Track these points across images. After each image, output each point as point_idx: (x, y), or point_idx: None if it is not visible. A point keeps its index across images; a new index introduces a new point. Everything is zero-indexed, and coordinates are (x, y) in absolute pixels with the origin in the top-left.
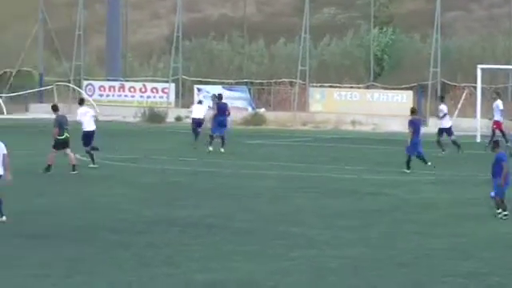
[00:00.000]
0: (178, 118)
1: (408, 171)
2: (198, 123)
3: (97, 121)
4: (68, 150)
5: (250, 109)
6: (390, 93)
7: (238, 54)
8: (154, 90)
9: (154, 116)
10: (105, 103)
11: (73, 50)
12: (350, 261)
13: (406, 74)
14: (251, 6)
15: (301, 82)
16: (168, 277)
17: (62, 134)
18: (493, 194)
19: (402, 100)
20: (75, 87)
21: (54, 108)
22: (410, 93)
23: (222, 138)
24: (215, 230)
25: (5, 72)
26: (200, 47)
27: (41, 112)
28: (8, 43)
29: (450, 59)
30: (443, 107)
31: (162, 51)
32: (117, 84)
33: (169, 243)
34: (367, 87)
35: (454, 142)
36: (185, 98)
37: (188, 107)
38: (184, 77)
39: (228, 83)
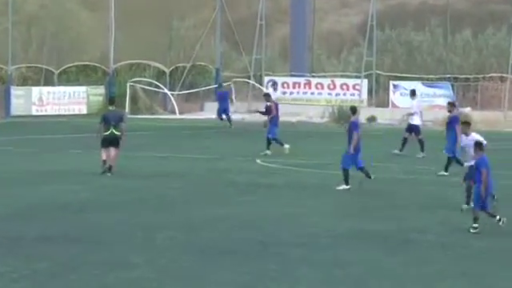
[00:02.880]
0: (371, 119)
1: None
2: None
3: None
4: (112, 149)
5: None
6: None
7: (440, 46)
8: (344, 87)
9: (344, 116)
10: (289, 101)
11: (253, 42)
12: None
13: None
14: None
15: (511, 76)
16: None
17: (107, 130)
18: (465, 206)
19: None
20: (256, 84)
21: (111, 102)
22: None
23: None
24: (412, 245)
25: (177, 67)
26: (397, 38)
27: (211, 110)
28: (181, 35)
29: None
30: (414, 104)
31: (353, 43)
32: (302, 80)
33: (357, 261)
34: None
35: (420, 141)
36: (379, 95)
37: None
38: (378, 72)
39: (428, 79)
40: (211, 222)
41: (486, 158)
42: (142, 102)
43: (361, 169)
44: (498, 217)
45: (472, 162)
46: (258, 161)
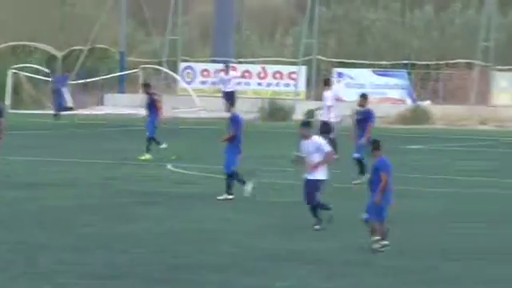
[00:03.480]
0: (309, 114)
1: None
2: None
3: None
4: None
5: (409, 101)
6: None
7: (397, 26)
8: (278, 76)
9: (276, 111)
10: (209, 93)
11: (166, 20)
12: None
13: None
14: None
15: (482, 63)
16: None
17: None
18: (366, 216)
19: None
20: (169, 71)
21: None
22: None
23: None
24: (353, 269)
25: (72, 51)
26: (344, 16)
27: (120, 105)
28: (76, 12)
29: None
30: (329, 95)
31: (290, 22)
32: (223, 68)
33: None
34: None
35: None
36: (319, 86)
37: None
38: (320, 57)
39: (381, 66)
40: (108, 241)
41: (387, 160)
42: (27, 93)
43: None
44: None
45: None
46: (169, 166)
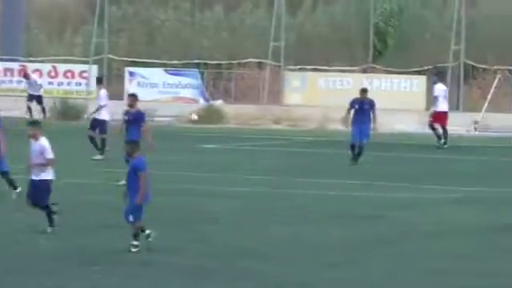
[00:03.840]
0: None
1: None
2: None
3: None
4: None
5: (202, 100)
6: (396, 78)
7: (187, 26)
8: (69, 75)
9: (68, 110)
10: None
11: None
12: None
13: (417, 54)
14: None
15: (273, 63)
16: None
17: None
18: (131, 217)
19: (411, 88)
20: None
21: None
22: (424, 78)
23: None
24: (155, 268)
25: None
26: (135, 15)
27: None
28: None
29: (478, 33)
30: (102, 94)
31: (80, 20)
32: (16, 65)
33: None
34: (364, 71)
35: (103, 141)
36: (112, 85)
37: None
38: (111, 56)
39: (172, 65)
40: None
41: (145, 159)
42: None
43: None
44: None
45: None
46: None
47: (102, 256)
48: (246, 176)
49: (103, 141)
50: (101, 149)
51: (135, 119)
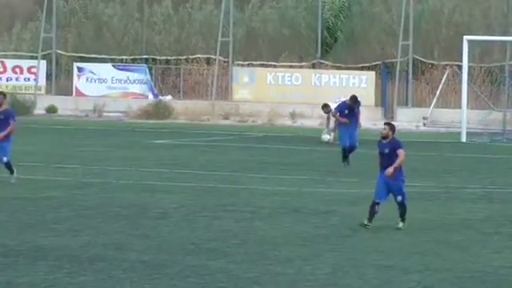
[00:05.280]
0: (51, 109)
1: None
2: None
3: None
4: None
5: (150, 96)
6: (345, 74)
7: (135, 21)
8: (18, 70)
9: (17, 105)
10: None
11: None
12: None
13: (366, 49)
14: None
15: (222, 58)
16: None
17: None
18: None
19: (360, 84)
20: None
21: None
22: (372, 74)
23: None
24: (102, 264)
25: None
26: (82, 11)
27: None
28: None
29: (426, 29)
30: None
31: (28, 15)
32: None
33: (35, 283)
34: (313, 66)
35: None
36: (60, 80)
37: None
38: (59, 51)
39: (121, 60)
40: None
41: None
42: None
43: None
44: None
45: None
46: None
47: (51, 252)
48: (196, 171)
49: None
50: None
51: (5, 118)
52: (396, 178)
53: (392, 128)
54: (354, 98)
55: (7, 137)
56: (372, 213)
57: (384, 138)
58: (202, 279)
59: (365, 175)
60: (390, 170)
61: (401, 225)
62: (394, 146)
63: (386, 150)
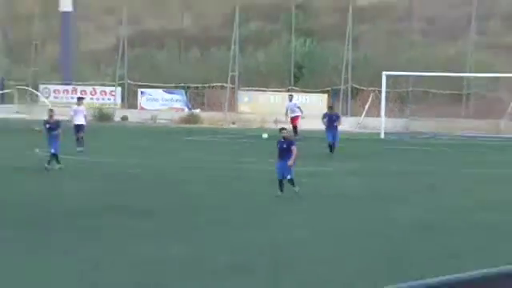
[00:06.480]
0: (124, 118)
1: None
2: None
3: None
4: None
5: (186, 109)
6: (308, 95)
7: (177, 61)
8: (103, 93)
9: (102, 115)
10: (60, 105)
11: (30, 57)
12: None
13: (321, 79)
14: (187, 18)
15: (231, 86)
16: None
17: None
18: None
19: (318, 102)
20: (33, 90)
21: None
22: (325, 95)
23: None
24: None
25: None
26: (143, 55)
27: (3, 112)
28: None
29: (360, 67)
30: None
31: (110, 59)
32: (70, 88)
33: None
34: (288, 91)
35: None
36: (130, 99)
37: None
38: (129, 81)
39: (167, 87)
40: None
41: None
42: None
43: None
44: None
45: None
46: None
47: None
48: (211, 156)
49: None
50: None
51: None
52: (288, 165)
53: (289, 132)
54: (330, 107)
55: (57, 136)
56: (280, 185)
57: (284, 138)
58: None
59: (319, 160)
60: (291, 162)
61: (297, 189)
62: (290, 144)
63: (284, 146)
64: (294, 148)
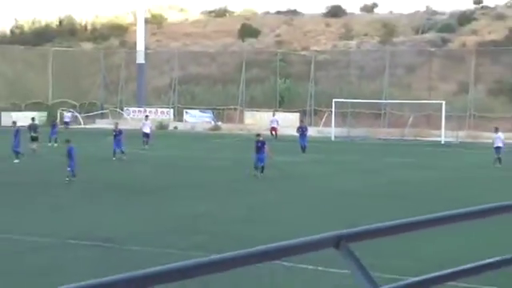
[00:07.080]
0: (175, 128)
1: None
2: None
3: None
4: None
5: (212, 122)
6: (287, 114)
7: (207, 93)
8: (161, 113)
9: (161, 126)
10: (135, 120)
11: (118, 91)
12: None
13: (295, 104)
14: (214, 67)
15: (240, 108)
16: None
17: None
18: None
19: (293, 118)
20: (120, 111)
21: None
22: (298, 114)
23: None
24: None
25: (83, 103)
26: (186, 89)
27: (102, 124)
28: (83, 87)
29: (318, 96)
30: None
31: (166, 91)
32: (142, 109)
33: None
34: (275, 111)
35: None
36: (177, 116)
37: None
38: (178, 105)
39: (201, 108)
40: None
41: None
42: None
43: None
44: None
45: None
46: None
47: None
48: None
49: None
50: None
51: (120, 133)
52: (263, 156)
53: (262, 137)
54: (301, 121)
55: (120, 140)
56: (255, 168)
57: (259, 140)
58: None
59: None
60: (270, 154)
61: (260, 175)
62: (263, 143)
63: (259, 144)
64: (265, 146)
